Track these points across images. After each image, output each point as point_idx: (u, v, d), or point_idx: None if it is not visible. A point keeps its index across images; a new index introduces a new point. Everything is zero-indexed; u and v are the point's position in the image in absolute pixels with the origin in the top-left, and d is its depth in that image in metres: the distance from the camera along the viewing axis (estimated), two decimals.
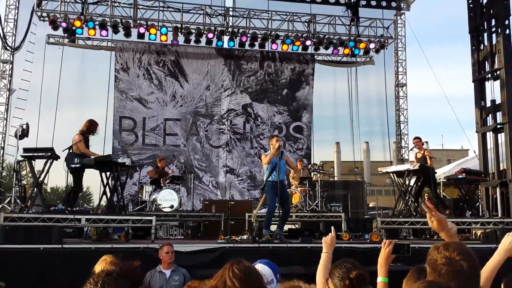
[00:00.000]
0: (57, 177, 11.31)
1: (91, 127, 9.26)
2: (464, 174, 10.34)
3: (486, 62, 13.56)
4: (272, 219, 8.97)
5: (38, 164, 8.78)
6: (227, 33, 15.10)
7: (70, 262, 6.97)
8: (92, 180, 10.51)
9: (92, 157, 8.86)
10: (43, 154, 8.58)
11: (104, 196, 9.09)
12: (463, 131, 21.12)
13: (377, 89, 16.94)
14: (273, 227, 9.16)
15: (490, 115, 13.40)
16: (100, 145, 12.82)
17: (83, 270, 3.27)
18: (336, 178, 23.64)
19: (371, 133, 17.73)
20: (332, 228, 3.40)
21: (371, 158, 24.13)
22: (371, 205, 19.12)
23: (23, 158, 8.70)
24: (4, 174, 14.09)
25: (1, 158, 13.12)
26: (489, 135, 13.38)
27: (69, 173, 8.76)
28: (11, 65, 13.97)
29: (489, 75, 13.40)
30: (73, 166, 8.62)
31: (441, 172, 13.75)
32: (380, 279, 2.75)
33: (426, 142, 10.99)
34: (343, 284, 2.58)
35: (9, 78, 13.91)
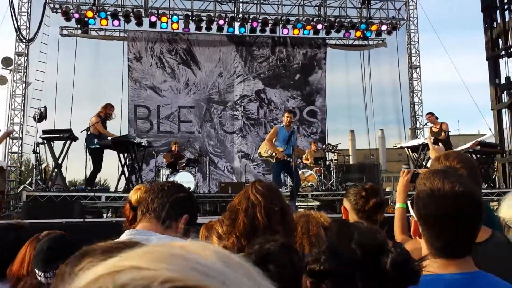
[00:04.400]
0: (74, 170, 11.58)
1: (107, 109, 9.48)
2: (479, 147, 10.25)
3: (500, 39, 13.48)
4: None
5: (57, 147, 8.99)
6: (238, 20, 15.14)
7: (92, 236, 7.07)
8: (107, 168, 10.57)
9: (109, 137, 9.04)
10: (62, 135, 8.76)
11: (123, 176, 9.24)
12: (481, 116, 20.74)
13: (390, 74, 16.68)
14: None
15: (505, 92, 13.33)
16: (116, 133, 12.91)
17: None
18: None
19: (386, 121, 17.56)
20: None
21: (387, 146, 23.96)
22: (387, 189, 19.01)
23: (42, 140, 8.85)
24: (23, 169, 14.26)
25: (20, 148, 13.30)
26: (505, 112, 13.30)
27: (88, 154, 8.94)
28: (26, 58, 14.15)
29: (503, 52, 13.32)
30: (92, 146, 8.81)
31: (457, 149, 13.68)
32: (398, 205, 2.79)
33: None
34: (359, 196, 2.59)
35: (25, 71, 14.09)
